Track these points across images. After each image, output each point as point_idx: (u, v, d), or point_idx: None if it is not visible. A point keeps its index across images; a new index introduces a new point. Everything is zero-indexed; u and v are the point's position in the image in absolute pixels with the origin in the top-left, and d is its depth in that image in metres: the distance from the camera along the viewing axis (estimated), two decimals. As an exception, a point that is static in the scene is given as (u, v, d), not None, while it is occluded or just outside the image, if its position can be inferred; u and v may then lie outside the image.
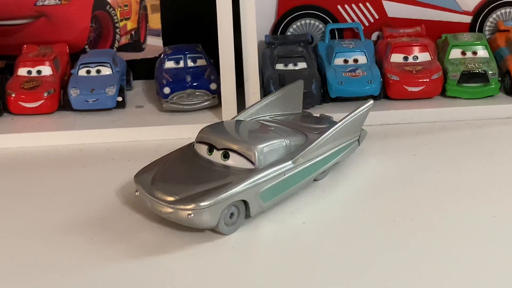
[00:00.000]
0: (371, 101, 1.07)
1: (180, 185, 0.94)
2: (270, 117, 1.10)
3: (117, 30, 1.36)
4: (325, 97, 1.23)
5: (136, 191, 0.97)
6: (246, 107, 1.14)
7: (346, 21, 1.35)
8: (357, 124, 1.06)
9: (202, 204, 0.91)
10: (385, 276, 0.87)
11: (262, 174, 0.95)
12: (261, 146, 0.97)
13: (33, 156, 1.15)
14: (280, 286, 0.86)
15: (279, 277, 0.88)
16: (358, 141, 1.08)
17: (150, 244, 0.94)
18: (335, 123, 1.06)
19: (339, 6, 1.35)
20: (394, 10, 1.35)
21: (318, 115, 1.12)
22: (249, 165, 0.96)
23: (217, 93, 1.23)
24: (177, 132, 1.19)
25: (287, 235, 0.95)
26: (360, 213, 0.99)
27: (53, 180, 1.08)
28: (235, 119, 1.08)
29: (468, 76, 1.23)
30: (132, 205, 1.02)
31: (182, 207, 0.92)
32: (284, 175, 0.97)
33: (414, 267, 0.88)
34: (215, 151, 0.98)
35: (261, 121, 1.08)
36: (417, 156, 1.12)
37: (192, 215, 0.91)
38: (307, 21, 1.35)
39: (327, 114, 1.13)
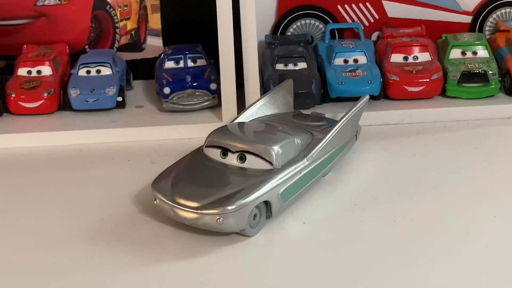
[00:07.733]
0: (367, 96, 1.08)
1: (201, 191, 0.93)
2: (268, 118, 1.10)
3: (117, 30, 1.36)
4: (325, 97, 1.23)
5: (155, 199, 0.96)
6: (246, 107, 1.14)
7: (346, 21, 1.35)
8: (356, 119, 1.08)
9: (229, 207, 0.91)
10: (386, 276, 0.87)
11: (282, 174, 0.96)
12: (278, 146, 0.97)
13: (33, 156, 1.15)
14: (280, 286, 0.86)
15: (279, 277, 0.88)
16: (356, 136, 1.10)
17: (150, 243, 0.94)
18: (332, 120, 1.09)
19: (339, 6, 1.35)
20: (394, 10, 1.35)
21: (309, 113, 1.13)
22: (267, 166, 0.96)
23: (217, 93, 1.23)
24: (177, 132, 1.19)
25: (287, 235, 0.95)
26: (360, 213, 0.99)
27: (53, 180, 1.08)
28: (236, 121, 1.08)
29: (468, 76, 1.23)
30: (132, 205, 1.02)
31: (209, 212, 0.91)
32: (300, 173, 0.98)
33: (414, 267, 0.88)
34: (229, 154, 0.98)
35: (265, 122, 1.08)
36: (417, 156, 1.12)
37: (221, 219, 0.90)
38: (307, 21, 1.35)
39: (318, 112, 1.13)
